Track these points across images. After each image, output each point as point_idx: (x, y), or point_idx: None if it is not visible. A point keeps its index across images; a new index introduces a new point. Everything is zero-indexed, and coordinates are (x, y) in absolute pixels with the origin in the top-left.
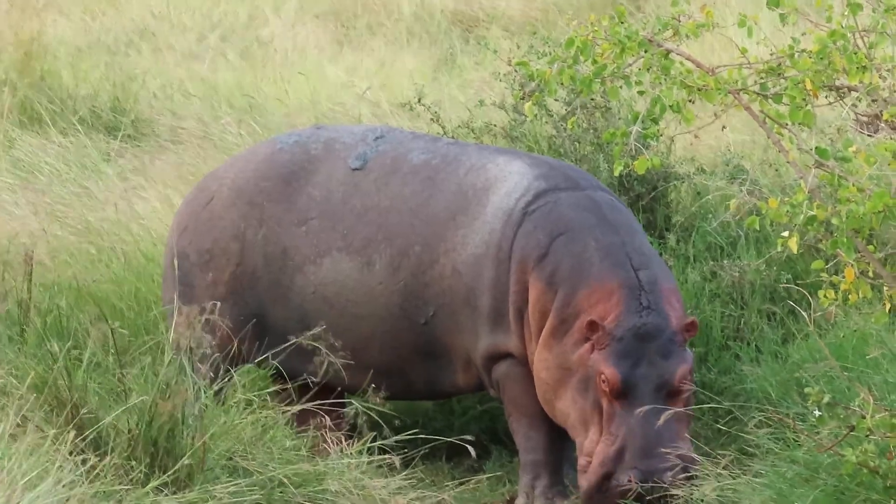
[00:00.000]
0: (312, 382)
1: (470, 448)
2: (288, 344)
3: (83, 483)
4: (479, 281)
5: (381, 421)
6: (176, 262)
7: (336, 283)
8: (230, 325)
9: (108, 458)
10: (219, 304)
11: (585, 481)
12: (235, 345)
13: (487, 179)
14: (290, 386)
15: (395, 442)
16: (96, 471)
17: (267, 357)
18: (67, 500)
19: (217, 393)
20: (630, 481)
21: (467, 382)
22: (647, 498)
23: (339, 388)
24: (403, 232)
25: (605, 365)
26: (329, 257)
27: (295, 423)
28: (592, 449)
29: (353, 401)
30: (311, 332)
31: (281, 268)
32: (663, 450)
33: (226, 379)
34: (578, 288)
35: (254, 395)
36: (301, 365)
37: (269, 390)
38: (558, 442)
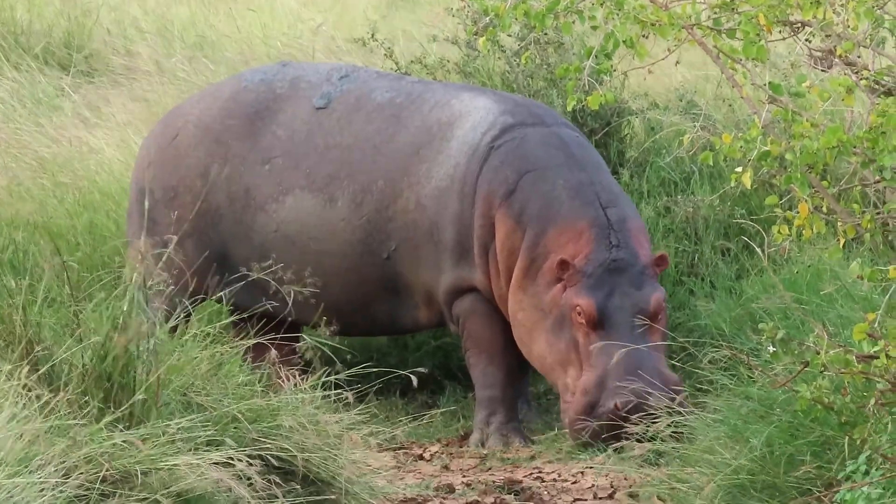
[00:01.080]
0: (272, 318)
1: (413, 378)
2: (239, 276)
3: (37, 418)
4: (443, 214)
5: (334, 356)
6: (139, 197)
7: (298, 220)
8: (193, 262)
9: (61, 393)
10: (182, 240)
11: (572, 412)
12: (195, 281)
13: (452, 114)
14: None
15: (349, 377)
16: (50, 406)
17: (225, 292)
18: (21, 435)
19: (174, 329)
20: (615, 407)
21: (429, 318)
22: (633, 419)
23: (298, 323)
24: (366, 168)
25: (578, 297)
26: (291, 195)
27: (250, 359)
28: (574, 387)
29: (304, 336)
30: (266, 266)
31: (244, 206)
32: (645, 373)
33: (184, 315)
34: (548, 227)
35: (209, 329)
36: (261, 300)
37: (225, 322)
38: (515, 379)
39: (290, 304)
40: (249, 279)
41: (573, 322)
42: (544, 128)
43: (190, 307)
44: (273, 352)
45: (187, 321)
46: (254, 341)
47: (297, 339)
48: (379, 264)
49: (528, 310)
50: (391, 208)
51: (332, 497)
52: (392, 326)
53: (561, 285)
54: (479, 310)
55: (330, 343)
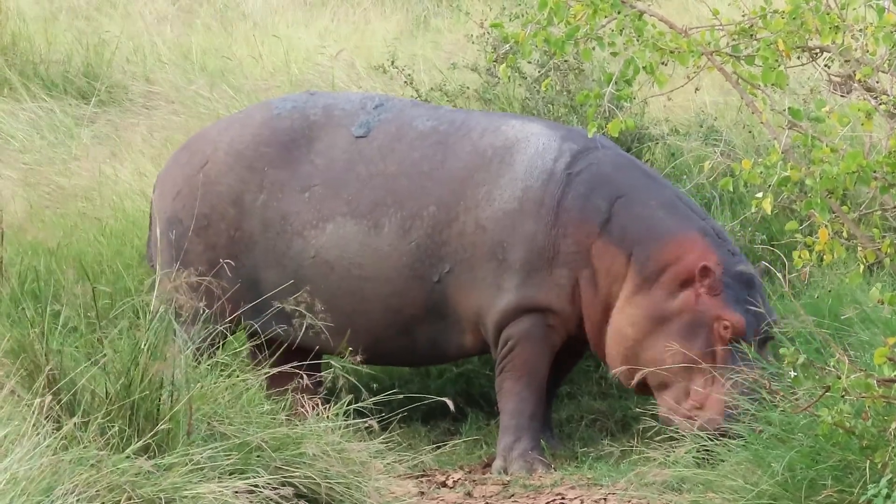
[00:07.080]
0: (304, 347)
1: (449, 403)
2: (272, 308)
3: (63, 448)
4: (512, 234)
5: (359, 384)
6: (167, 228)
7: (339, 246)
8: (225, 290)
9: (85, 421)
10: (216, 267)
11: (717, 420)
12: (229, 308)
13: (507, 139)
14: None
15: (372, 405)
16: (73, 435)
17: (253, 323)
18: (44, 465)
19: (206, 357)
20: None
21: (475, 344)
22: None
23: (321, 352)
24: (415, 195)
25: (726, 311)
26: (332, 222)
27: (272, 387)
28: (704, 392)
29: (331, 362)
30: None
31: (279, 233)
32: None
33: (216, 343)
34: (657, 243)
35: (229, 359)
36: (294, 329)
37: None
38: (542, 409)
39: (310, 331)
40: (277, 308)
41: (715, 333)
42: (606, 150)
43: (226, 334)
44: (298, 380)
45: (222, 348)
46: (276, 370)
47: (317, 368)
48: (428, 287)
49: (639, 322)
50: (445, 232)
51: None
52: (433, 352)
53: (692, 292)
54: (536, 335)
55: (349, 372)
